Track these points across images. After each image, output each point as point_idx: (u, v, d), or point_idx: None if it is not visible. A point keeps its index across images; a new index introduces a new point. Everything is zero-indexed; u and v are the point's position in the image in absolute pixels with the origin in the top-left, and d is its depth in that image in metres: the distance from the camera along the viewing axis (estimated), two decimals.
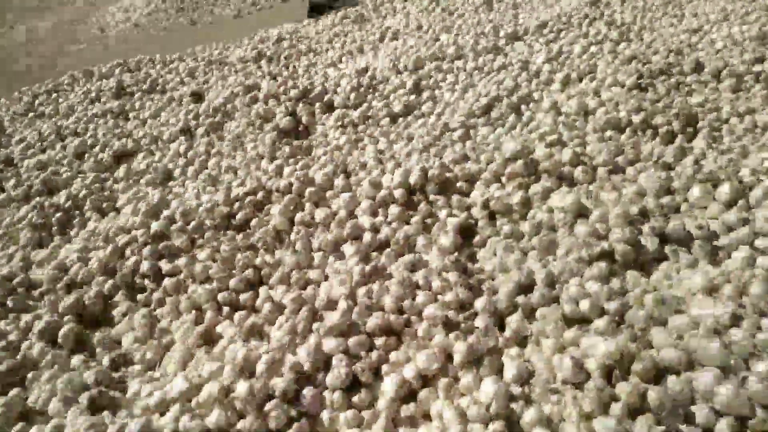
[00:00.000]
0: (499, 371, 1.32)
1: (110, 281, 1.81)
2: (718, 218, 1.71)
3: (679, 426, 1.13)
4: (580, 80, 2.81)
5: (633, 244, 1.60)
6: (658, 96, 2.53)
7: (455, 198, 1.94)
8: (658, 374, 1.24)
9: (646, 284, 1.54)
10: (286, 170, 2.24)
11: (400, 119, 2.77)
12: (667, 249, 1.64)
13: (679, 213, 1.78)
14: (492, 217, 1.89)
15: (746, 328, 1.27)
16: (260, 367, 1.29)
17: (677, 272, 1.56)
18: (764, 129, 2.22)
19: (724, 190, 1.74)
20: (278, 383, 1.25)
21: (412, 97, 2.92)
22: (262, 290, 1.67)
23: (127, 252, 1.89)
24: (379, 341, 1.39)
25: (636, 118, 2.33)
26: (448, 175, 2.00)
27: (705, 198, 1.77)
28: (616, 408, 1.14)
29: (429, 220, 1.87)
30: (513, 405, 1.20)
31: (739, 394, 1.14)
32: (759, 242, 1.62)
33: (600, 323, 1.36)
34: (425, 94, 2.94)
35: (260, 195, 2.08)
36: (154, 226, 1.97)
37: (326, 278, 1.70)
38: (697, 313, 1.35)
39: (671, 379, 1.21)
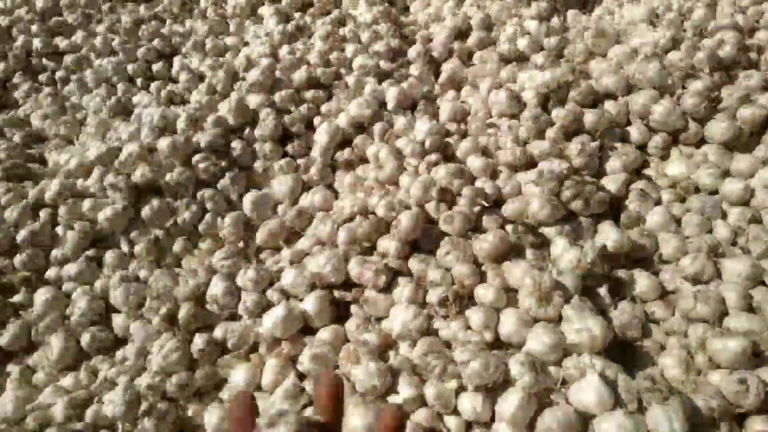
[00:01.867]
0: (434, 115, 1.27)
1: (2, 64, 1.58)
2: None
3: (615, 144, 1.14)
4: None
5: None
6: None
7: None
8: (595, 100, 1.22)
9: (586, 21, 1.46)
10: None
11: None
12: None
13: None
14: None
15: (685, 50, 1.23)
16: (181, 124, 1.19)
17: (619, 8, 1.48)
18: None
19: None
20: (202, 137, 1.16)
21: None
22: (176, 59, 1.51)
23: (14, 32, 1.63)
24: (308, 94, 1.30)
25: None
26: None
27: None
28: (551, 132, 1.12)
29: None
30: (448, 140, 1.17)
31: (674, 110, 1.13)
32: None
33: (538, 58, 1.30)
34: None
35: None
36: (40, 3, 1.69)
37: (245, 44, 1.55)
38: (637, 42, 1.29)
39: (608, 103, 1.19)
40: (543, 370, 0.80)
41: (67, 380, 1.01)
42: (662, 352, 0.86)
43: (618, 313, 0.87)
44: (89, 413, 0.93)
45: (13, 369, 1.04)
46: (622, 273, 0.95)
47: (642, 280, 0.93)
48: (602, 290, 0.91)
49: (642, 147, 1.15)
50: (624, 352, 0.87)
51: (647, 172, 1.14)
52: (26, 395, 0.98)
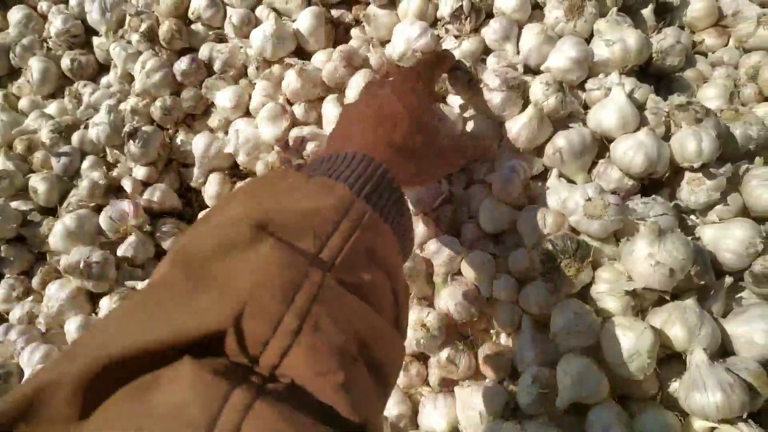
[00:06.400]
0: None
1: None
2: None
3: None
4: None
5: None
6: None
7: None
8: None
9: None
10: None
11: None
12: None
13: None
14: None
15: None
16: None
17: None
18: None
19: None
20: None
21: None
22: None
23: None
24: None
25: None
26: None
27: None
28: None
29: None
30: None
31: None
32: None
33: None
34: None
35: None
36: None
37: None
38: None
39: None
40: (571, 92, 0.70)
41: (51, 107, 0.96)
42: (704, 83, 0.74)
43: (660, 37, 0.74)
44: (75, 138, 0.89)
45: None
46: None
47: (697, 3, 0.78)
48: (646, 11, 0.76)
49: None
50: (658, 83, 0.76)
51: None
52: (12, 120, 0.94)
